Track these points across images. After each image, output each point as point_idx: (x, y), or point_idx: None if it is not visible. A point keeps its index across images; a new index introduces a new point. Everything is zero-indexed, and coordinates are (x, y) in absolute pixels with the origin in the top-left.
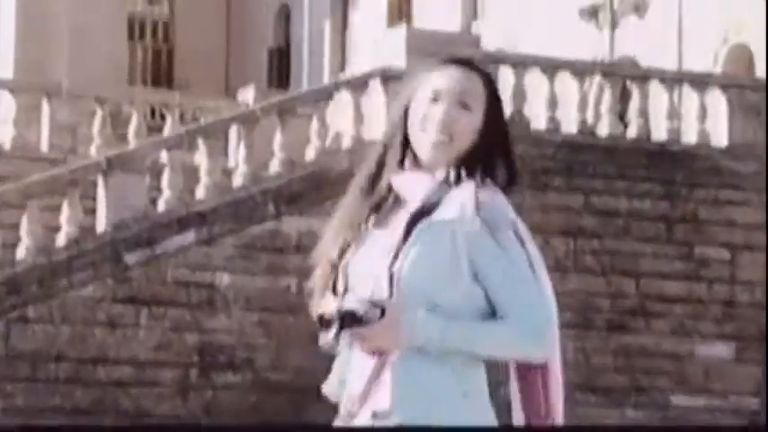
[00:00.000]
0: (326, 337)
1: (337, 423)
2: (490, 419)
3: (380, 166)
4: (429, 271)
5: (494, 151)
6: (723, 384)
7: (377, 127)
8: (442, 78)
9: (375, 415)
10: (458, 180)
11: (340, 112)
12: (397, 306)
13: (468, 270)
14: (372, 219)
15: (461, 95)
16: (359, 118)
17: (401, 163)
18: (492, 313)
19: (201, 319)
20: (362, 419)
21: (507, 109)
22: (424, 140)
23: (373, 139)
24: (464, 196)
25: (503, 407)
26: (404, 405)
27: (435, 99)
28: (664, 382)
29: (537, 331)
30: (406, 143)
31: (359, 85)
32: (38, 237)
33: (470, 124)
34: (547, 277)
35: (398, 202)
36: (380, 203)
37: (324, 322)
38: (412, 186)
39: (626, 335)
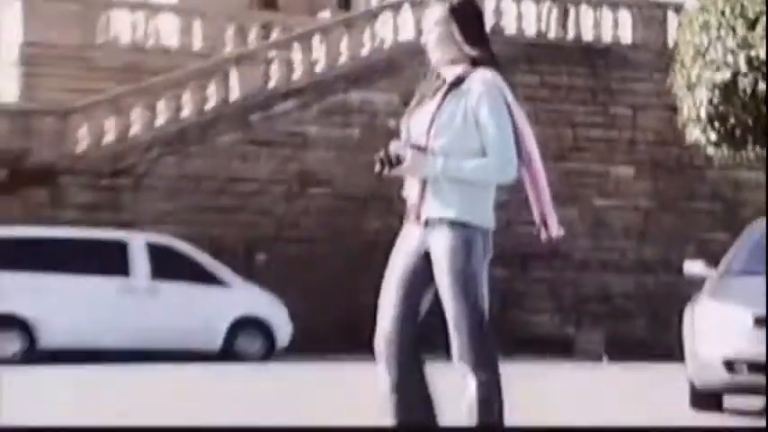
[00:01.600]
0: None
1: (405, 224)
2: (489, 215)
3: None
4: (451, 125)
5: (478, 45)
6: (627, 192)
7: (407, 35)
8: (428, 18)
9: (428, 219)
10: (475, 67)
11: (384, 25)
12: (415, 153)
13: (473, 122)
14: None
15: (437, 25)
16: (395, 29)
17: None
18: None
19: (299, 155)
20: (423, 220)
21: (489, 22)
22: (433, 58)
23: (405, 41)
24: (477, 76)
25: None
26: (446, 209)
27: (429, 31)
28: (589, 191)
29: (503, 167)
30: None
31: (396, 7)
32: (195, 104)
33: (445, 42)
34: (529, 132)
35: (443, 82)
36: (434, 85)
37: (380, 159)
38: (449, 72)
39: (566, 162)
